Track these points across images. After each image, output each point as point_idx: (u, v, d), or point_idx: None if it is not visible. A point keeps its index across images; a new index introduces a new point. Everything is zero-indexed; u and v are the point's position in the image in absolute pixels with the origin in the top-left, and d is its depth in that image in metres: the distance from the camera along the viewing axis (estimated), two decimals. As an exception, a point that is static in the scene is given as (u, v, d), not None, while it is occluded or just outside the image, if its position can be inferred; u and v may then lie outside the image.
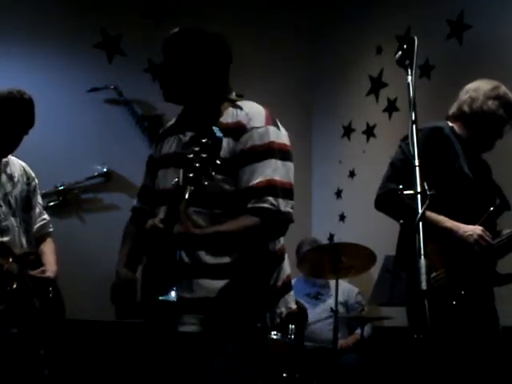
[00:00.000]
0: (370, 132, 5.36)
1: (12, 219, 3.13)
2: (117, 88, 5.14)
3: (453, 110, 3.03)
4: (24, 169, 3.33)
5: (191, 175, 1.91)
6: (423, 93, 4.11)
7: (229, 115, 2.22)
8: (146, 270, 2.25)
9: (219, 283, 2.15)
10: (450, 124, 3.01)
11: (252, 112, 2.21)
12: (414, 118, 2.07)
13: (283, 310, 2.25)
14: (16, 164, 3.30)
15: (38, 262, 3.22)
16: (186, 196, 1.94)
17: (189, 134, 2.25)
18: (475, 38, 4.44)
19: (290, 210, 2.15)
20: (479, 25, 4.42)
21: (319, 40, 5.84)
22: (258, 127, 2.17)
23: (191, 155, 1.91)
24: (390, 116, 5.15)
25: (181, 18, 5.47)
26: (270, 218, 2.11)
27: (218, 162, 1.93)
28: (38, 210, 3.38)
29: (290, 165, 2.20)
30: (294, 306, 2.30)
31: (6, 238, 3.08)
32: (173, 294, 2.07)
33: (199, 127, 2.13)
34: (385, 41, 5.20)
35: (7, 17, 4.97)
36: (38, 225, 3.36)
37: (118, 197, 5.06)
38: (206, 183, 1.92)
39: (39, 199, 3.42)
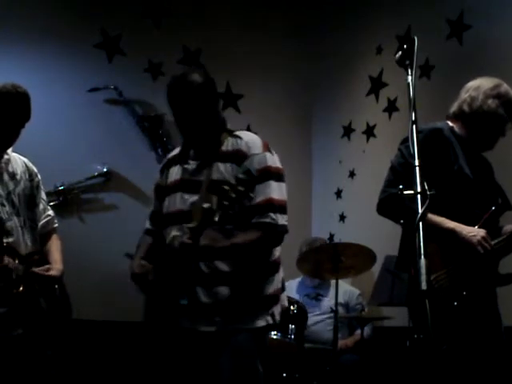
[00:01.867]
0: (370, 132, 5.36)
1: (15, 219, 3.09)
2: (117, 88, 5.13)
3: (453, 109, 3.01)
4: (26, 165, 3.27)
5: (226, 203, 2.30)
6: (423, 93, 4.11)
7: (229, 144, 2.58)
8: (161, 279, 2.54)
9: (233, 288, 2.50)
10: (450, 124, 2.99)
11: (251, 141, 2.58)
12: (413, 118, 2.07)
13: (280, 308, 2.61)
14: (18, 161, 3.24)
15: (43, 261, 3.17)
16: (216, 219, 2.31)
17: (193, 163, 2.62)
18: (475, 38, 4.43)
19: (286, 223, 2.55)
20: (479, 25, 4.41)
21: (319, 40, 5.84)
22: (256, 154, 2.54)
23: (227, 187, 2.31)
24: (389, 116, 5.14)
25: (181, 18, 5.48)
26: (271, 230, 2.51)
27: (252, 195, 2.45)
28: (42, 207, 3.32)
29: (284, 185, 2.59)
30: (286, 304, 2.68)
31: (10, 239, 3.03)
32: (188, 298, 2.43)
33: (203, 156, 2.58)
34: (385, 41, 5.20)
35: (6, 16, 4.96)
36: (42, 221, 3.31)
37: (117, 197, 5.05)
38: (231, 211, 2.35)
39: (43, 195, 3.36)
